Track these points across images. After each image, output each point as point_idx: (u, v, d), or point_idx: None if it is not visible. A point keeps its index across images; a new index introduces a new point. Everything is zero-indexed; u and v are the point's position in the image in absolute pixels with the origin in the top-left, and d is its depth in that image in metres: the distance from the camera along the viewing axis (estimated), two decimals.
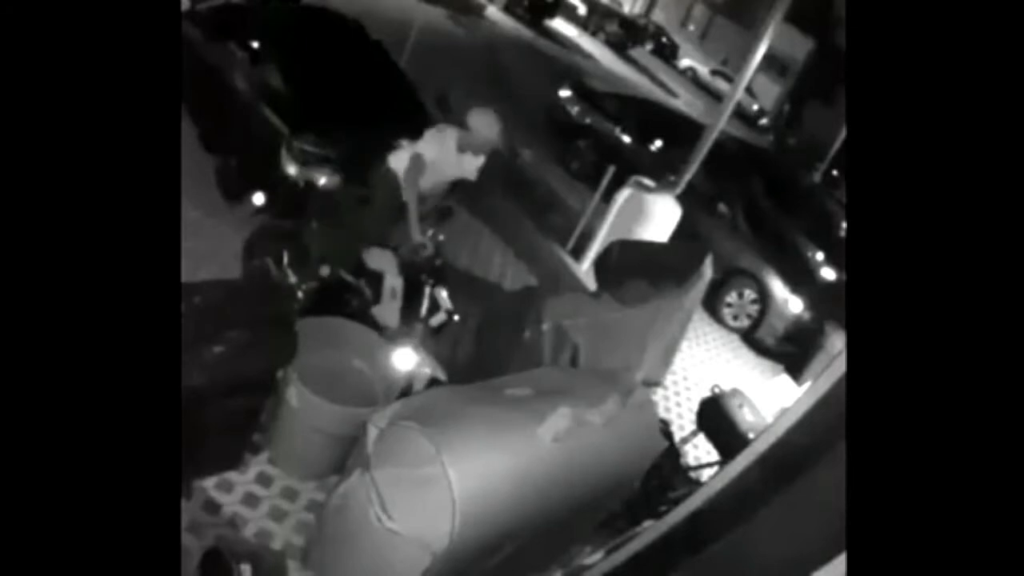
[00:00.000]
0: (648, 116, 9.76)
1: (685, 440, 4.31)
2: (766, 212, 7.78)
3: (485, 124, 3.75)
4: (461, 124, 3.84)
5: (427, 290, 3.57)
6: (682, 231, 6.29)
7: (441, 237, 3.71)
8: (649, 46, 26.47)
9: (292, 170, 4.55)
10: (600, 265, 4.25)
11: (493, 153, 4.04)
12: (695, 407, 4.28)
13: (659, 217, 6.12)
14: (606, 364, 3.30)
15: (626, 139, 8.93)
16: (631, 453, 2.93)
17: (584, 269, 6.46)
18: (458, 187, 4.27)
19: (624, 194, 6.24)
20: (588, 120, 9.24)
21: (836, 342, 5.92)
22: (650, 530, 2.24)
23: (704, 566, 1.94)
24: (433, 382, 3.37)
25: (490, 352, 3.66)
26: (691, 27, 32.15)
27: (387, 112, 5.36)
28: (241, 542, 2.85)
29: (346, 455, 3.01)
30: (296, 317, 3.32)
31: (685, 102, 19.38)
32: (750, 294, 7.27)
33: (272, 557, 2.80)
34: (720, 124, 6.36)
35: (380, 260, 3.78)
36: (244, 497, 3.06)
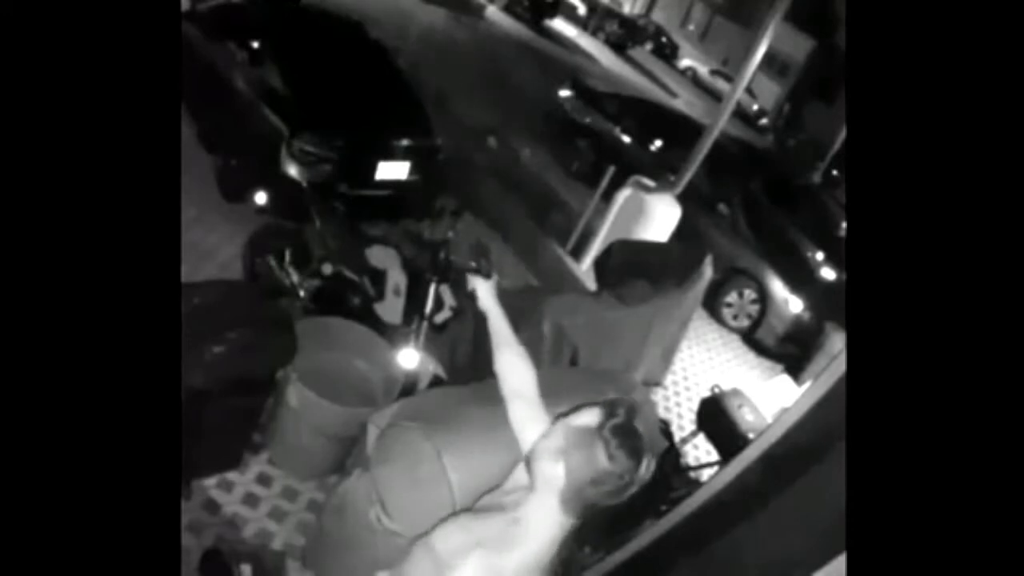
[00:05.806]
0: (648, 116, 9.75)
1: (685, 440, 4.31)
2: (766, 212, 7.77)
3: None
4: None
5: (432, 287, 3.57)
6: (682, 231, 6.28)
7: (451, 234, 3.71)
8: (649, 46, 26.47)
9: (292, 170, 4.56)
10: (600, 265, 4.24)
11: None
12: (695, 407, 4.28)
13: (659, 217, 6.11)
14: (606, 364, 3.30)
15: (626, 139, 8.93)
16: None
17: (584, 269, 6.45)
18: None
19: (624, 194, 6.23)
20: (588, 120, 9.23)
21: (836, 342, 5.91)
22: (650, 530, 2.24)
23: (704, 566, 1.94)
24: (436, 380, 3.36)
25: (490, 352, 3.65)
26: (691, 27, 32.13)
27: (387, 112, 5.37)
28: (241, 542, 2.85)
29: (346, 455, 3.01)
30: (298, 316, 3.32)
31: (685, 102, 19.36)
32: (750, 294, 7.26)
33: (272, 557, 2.80)
34: (720, 124, 6.33)
35: (383, 257, 3.78)
36: (244, 497, 3.06)
